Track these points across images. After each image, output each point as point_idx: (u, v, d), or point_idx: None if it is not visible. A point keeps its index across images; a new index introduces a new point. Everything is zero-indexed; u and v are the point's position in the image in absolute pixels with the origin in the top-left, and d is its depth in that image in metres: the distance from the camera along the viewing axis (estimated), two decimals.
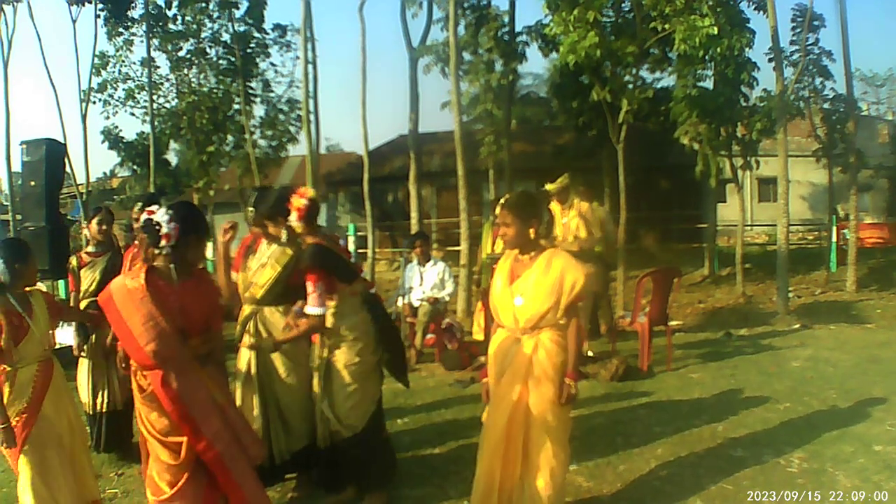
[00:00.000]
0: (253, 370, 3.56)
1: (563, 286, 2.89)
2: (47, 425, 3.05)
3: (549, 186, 6.68)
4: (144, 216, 2.69)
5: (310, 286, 3.31)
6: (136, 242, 4.12)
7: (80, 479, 3.17)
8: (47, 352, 3.17)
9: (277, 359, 3.55)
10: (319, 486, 3.63)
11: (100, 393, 4.36)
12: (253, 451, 2.85)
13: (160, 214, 2.66)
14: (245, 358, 3.60)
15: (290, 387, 3.57)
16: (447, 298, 7.24)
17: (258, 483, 2.86)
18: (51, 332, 3.21)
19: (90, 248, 4.52)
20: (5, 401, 2.99)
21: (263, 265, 3.62)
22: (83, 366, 4.39)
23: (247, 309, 3.64)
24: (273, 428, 3.54)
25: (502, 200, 3.04)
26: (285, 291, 3.57)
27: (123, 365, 3.59)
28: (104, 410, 4.35)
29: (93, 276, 4.41)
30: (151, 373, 2.60)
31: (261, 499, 2.84)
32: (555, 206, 6.67)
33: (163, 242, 2.65)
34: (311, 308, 3.32)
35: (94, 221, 4.49)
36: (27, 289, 3.20)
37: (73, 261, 4.51)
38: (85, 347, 4.39)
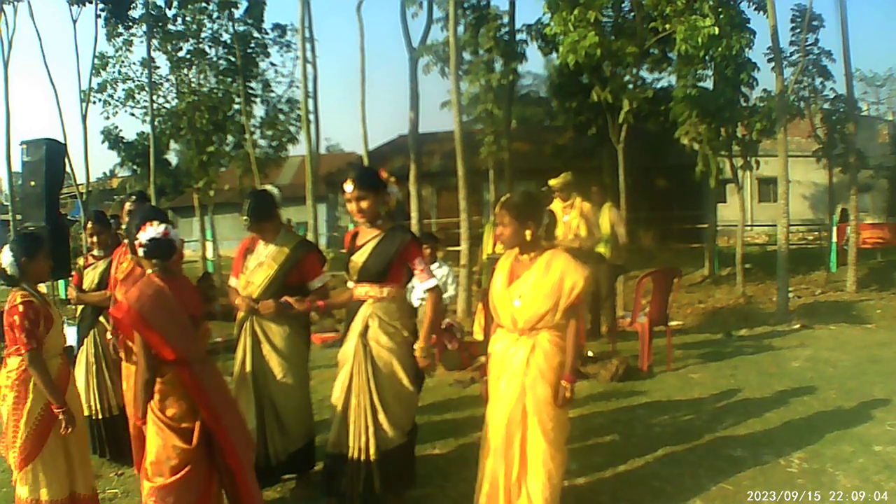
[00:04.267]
0: (248, 370, 3.55)
1: (563, 288, 2.88)
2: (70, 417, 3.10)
3: (552, 182, 6.68)
4: (146, 236, 2.83)
5: (419, 263, 3.30)
6: (126, 241, 4.12)
7: (86, 468, 3.26)
8: (63, 348, 3.25)
9: (273, 359, 3.52)
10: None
11: (97, 397, 4.35)
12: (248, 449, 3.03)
13: (160, 229, 2.84)
14: (240, 358, 3.59)
15: (286, 388, 3.54)
16: (447, 301, 7.22)
17: (255, 478, 3.01)
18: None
19: (95, 252, 4.56)
20: (31, 395, 3.02)
21: (261, 264, 3.60)
22: (80, 369, 4.36)
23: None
24: (268, 428, 3.51)
25: (502, 199, 3.03)
26: (282, 292, 3.51)
27: (122, 356, 3.73)
28: (105, 416, 4.33)
29: (93, 277, 4.45)
30: (177, 366, 2.73)
31: (258, 494, 2.98)
32: (557, 204, 6.66)
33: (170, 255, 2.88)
34: (427, 283, 3.30)
35: (87, 234, 4.53)
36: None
37: (80, 261, 4.65)
38: (81, 350, 4.40)
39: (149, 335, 2.68)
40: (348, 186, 3.26)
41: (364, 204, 3.25)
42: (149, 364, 2.70)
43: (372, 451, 3.17)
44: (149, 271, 2.87)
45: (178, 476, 2.71)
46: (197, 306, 2.93)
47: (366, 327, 3.26)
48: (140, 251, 2.86)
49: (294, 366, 3.57)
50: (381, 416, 3.18)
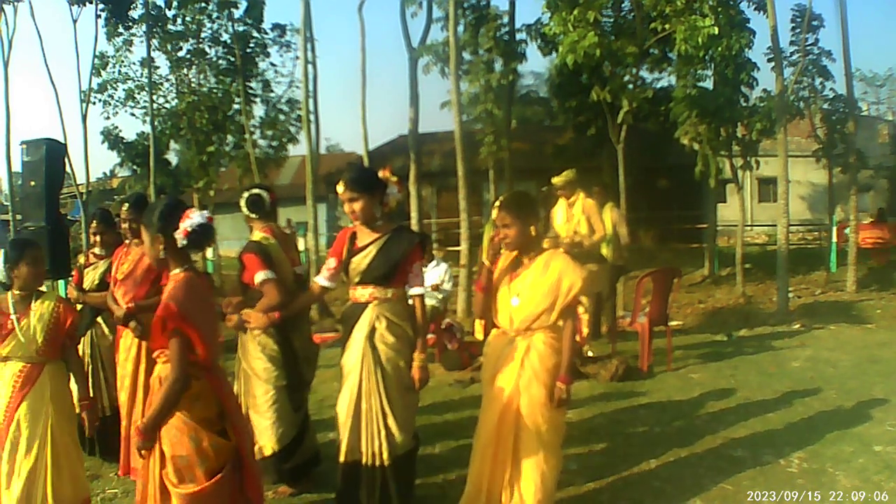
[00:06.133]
0: (237, 373, 3.67)
1: (560, 288, 2.88)
2: (16, 428, 3.00)
3: (554, 180, 6.66)
4: (192, 223, 2.53)
5: (416, 267, 3.23)
6: (126, 242, 4.12)
7: (68, 480, 3.10)
8: (35, 356, 3.09)
9: (245, 372, 3.61)
10: None
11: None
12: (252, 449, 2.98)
13: (204, 214, 2.58)
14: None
15: (252, 399, 3.59)
16: (440, 298, 7.20)
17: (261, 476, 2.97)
18: (45, 337, 3.10)
19: (96, 251, 4.54)
20: None
21: None
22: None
23: None
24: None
25: (498, 202, 2.99)
26: (246, 293, 3.50)
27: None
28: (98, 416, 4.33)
29: (93, 277, 4.43)
30: (204, 369, 2.58)
31: (262, 491, 2.93)
32: (561, 202, 6.64)
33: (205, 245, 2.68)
34: (415, 288, 3.22)
35: (91, 232, 4.51)
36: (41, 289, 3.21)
37: (81, 259, 4.62)
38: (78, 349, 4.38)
39: (194, 337, 2.47)
40: (340, 188, 3.19)
41: (357, 206, 3.15)
42: (183, 369, 2.47)
43: (385, 455, 3.11)
44: (176, 270, 2.59)
45: (216, 479, 2.51)
46: (214, 305, 2.85)
47: (373, 329, 3.17)
48: (183, 241, 2.52)
49: (258, 376, 3.61)
50: (391, 420, 3.13)
